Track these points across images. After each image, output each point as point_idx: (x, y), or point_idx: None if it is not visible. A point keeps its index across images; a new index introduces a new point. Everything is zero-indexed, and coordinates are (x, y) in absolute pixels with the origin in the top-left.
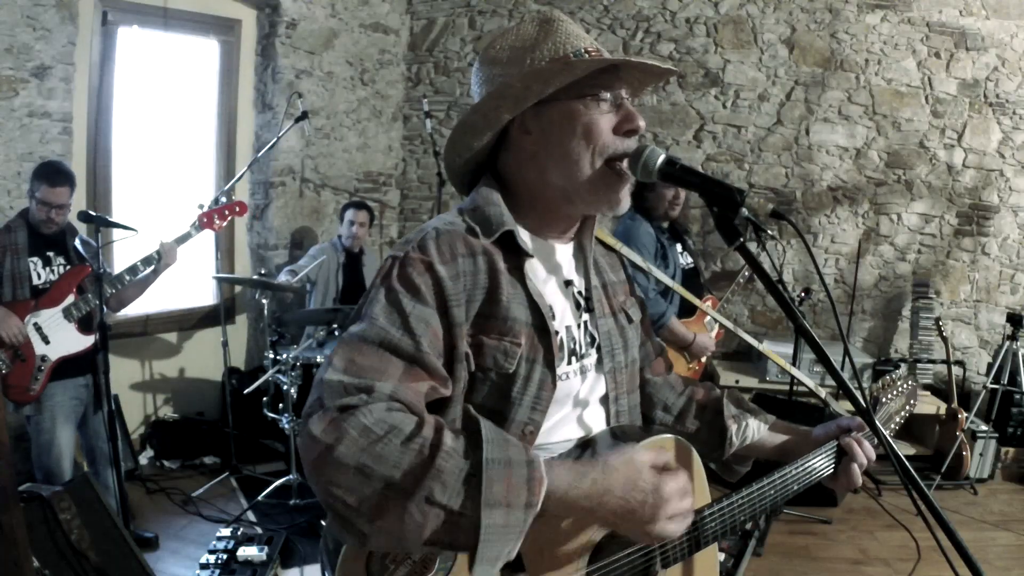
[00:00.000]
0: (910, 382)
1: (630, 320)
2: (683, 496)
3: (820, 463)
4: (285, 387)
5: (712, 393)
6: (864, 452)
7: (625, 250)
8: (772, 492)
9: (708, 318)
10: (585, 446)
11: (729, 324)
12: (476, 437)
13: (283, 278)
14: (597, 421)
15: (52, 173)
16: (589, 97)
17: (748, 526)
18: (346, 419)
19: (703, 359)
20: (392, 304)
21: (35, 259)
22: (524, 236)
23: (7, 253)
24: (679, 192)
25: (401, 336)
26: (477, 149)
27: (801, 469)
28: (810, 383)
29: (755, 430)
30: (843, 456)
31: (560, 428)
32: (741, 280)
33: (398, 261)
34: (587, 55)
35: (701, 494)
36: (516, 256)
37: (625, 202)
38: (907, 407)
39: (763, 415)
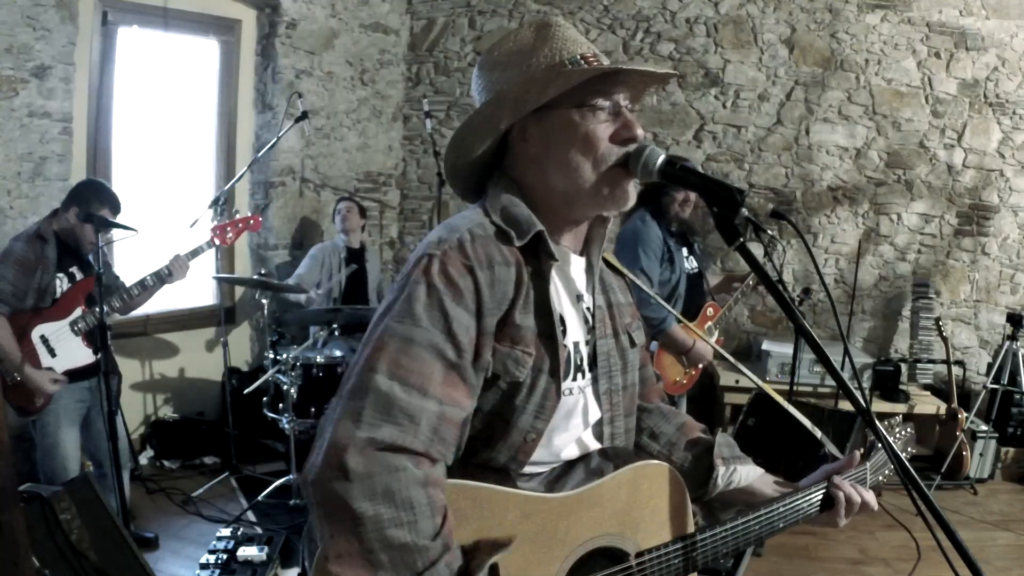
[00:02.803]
0: (908, 429)
1: (633, 344)
2: None
3: (806, 504)
4: (285, 387)
5: (706, 432)
6: (862, 496)
7: (625, 271)
8: (757, 527)
9: (708, 324)
10: (570, 465)
11: (723, 352)
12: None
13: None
14: (594, 442)
15: (115, 200)
16: (587, 107)
17: None
18: (381, 465)
19: (700, 366)
20: (435, 304)
21: (61, 275)
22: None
23: (39, 265)
24: (688, 194)
25: (444, 340)
26: (478, 154)
27: (788, 507)
28: (805, 419)
29: (743, 476)
30: (829, 498)
31: (562, 448)
32: (746, 288)
33: (436, 258)
34: (583, 62)
35: (687, 523)
36: (539, 261)
37: (631, 197)
38: (903, 453)
39: (753, 466)
